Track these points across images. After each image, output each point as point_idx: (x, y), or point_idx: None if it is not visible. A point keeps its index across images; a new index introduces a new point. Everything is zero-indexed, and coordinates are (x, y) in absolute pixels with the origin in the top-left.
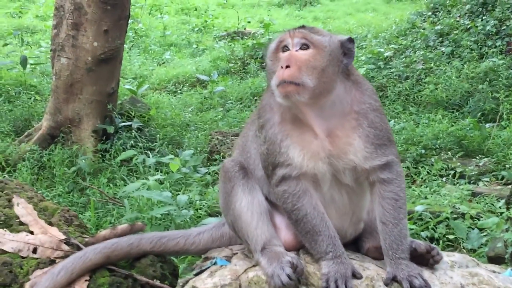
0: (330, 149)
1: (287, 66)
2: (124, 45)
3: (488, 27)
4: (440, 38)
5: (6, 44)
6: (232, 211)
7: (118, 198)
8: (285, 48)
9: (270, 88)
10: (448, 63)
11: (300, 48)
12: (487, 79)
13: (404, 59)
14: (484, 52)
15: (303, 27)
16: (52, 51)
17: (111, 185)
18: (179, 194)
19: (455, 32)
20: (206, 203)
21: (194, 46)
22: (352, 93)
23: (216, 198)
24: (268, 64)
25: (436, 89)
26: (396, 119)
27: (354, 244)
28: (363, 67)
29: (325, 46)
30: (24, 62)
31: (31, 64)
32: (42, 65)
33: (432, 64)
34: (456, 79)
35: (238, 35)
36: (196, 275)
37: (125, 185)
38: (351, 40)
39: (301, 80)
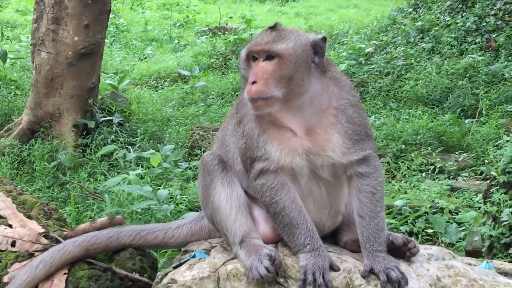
0: (309, 146)
1: (253, 82)
2: (105, 40)
3: (468, 24)
4: (421, 34)
5: None
6: (211, 204)
7: (98, 193)
8: (255, 58)
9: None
10: (428, 59)
11: (266, 58)
12: (467, 75)
13: (385, 55)
14: (464, 49)
15: (274, 27)
16: (32, 45)
17: (92, 179)
18: (159, 188)
19: (435, 28)
20: (187, 197)
21: (176, 41)
22: (330, 89)
23: (196, 193)
24: (241, 71)
25: (417, 85)
26: (376, 115)
27: (332, 237)
28: (344, 63)
29: (290, 54)
30: (4, 56)
31: (11, 59)
32: (22, 59)
33: (412, 60)
34: (436, 75)
35: (220, 30)
36: (175, 268)
37: (106, 180)
38: (324, 40)
39: (269, 94)
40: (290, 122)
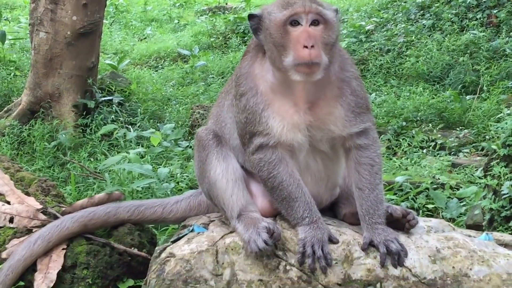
0: (311, 120)
1: (309, 46)
2: (105, 21)
3: (468, 0)
4: (421, 11)
5: None
6: (207, 179)
7: (99, 172)
8: (295, 22)
9: (254, 58)
10: (429, 36)
11: (312, 23)
12: (468, 52)
13: (385, 32)
14: (465, 25)
15: None
16: (31, 25)
17: (92, 159)
18: (160, 167)
19: (436, 5)
20: (187, 176)
21: (176, 21)
22: (337, 61)
23: None
24: (274, 37)
25: (417, 62)
26: (377, 92)
27: (331, 210)
28: (345, 40)
29: (334, 21)
30: (2, 37)
31: (10, 39)
32: (21, 40)
33: (413, 37)
34: (437, 52)
35: (219, 9)
36: (173, 242)
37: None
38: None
39: (323, 60)
40: (300, 92)
